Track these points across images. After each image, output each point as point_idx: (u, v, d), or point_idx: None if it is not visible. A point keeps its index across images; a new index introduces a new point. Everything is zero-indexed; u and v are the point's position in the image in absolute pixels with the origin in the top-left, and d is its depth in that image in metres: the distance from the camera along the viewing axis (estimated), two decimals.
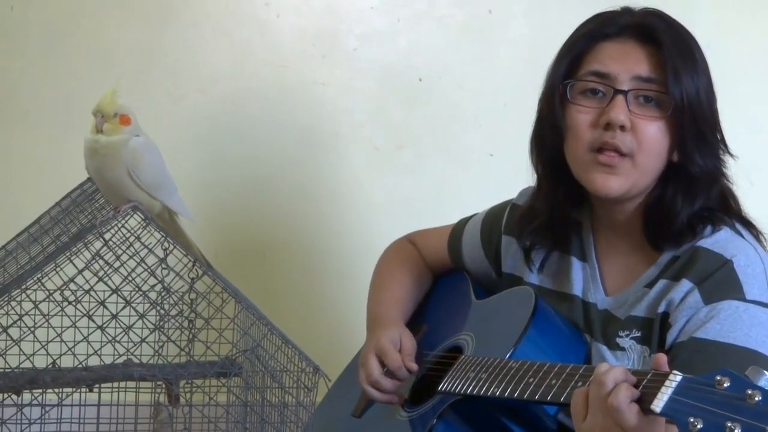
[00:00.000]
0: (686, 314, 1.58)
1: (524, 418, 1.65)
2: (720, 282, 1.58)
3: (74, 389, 2.16)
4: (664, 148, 1.65)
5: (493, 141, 2.86)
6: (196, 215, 2.27)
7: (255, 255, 2.86)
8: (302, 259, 2.87)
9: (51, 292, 2.03)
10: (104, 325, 2.06)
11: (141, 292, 2.10)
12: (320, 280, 2.88)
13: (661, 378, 1.28)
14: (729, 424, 1.16)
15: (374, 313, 2.02)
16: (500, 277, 1.94)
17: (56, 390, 2.12)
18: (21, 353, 2.06)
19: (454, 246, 2.04)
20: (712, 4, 2.84)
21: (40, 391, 2.09)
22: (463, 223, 2.06)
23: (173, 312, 2.16)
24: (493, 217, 2.00)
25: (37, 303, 2.03)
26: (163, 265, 2.09)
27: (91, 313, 2.04)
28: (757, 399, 1.17)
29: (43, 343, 2.03)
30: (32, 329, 2.04)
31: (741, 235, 1.65)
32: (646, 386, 1.30)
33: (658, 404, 1.26)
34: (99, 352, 2.06)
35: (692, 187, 1.66)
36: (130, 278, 2.07)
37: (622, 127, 1.62)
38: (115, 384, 2.16)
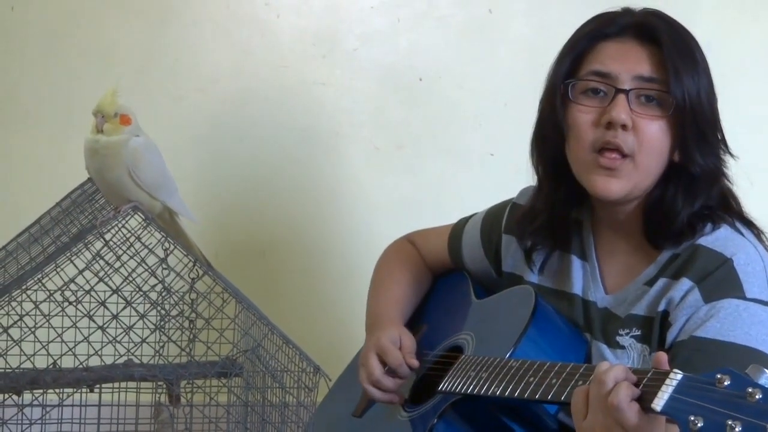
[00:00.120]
0: (686, 313, 1.58)
1: (525, 417, 1.65)
2: (720, 280, 1.58)
3: (75, 389, 2.16)
4: (666, 148, 1.65)
5: (494, 141, 2.86)
6: (196, 215, 2.27)
7: (255, 255, 2.86)
8: (303, 258, 2.87)
9: (51, 292, 2.03)
10: (105, 326, 2.05)
11: (141, 293, 2.10)
12: (321, 280, 2.88)
13: (661, 377, 1.28)
14: (730, 423, 1.16)
15: (374, 313, 2.02)
16: (500, 276, 1.95)
17: (57, 390, 2.12)
18: (22, 353, 2.06)
19: (454, 246, 2.04)
20: (713, 5, 2.84)
21: (41, 391, 2.09)
22: (463, 222, 2.06)
23: (174, 312, 2.15)
24: (493, 216, 2.00)
25: (37, 303, 2.03)
26: (164, 266, 2.09)
27: (91, 313, 2.04)
28: (757, 397, 1.17)
29: (44, 344, 2.03)
30: (33, 329, 2.04)
31: (741, 234, 1.65)
32: (646, 385, 1.30)
33: (659, 403, 1.26)
34: (100, 353, 2.05)
35: (693, 186, 1.66)
36: (130, 278, 2.07)
37: (624, 126, 1.62)
38: (116, 384, 2.16)
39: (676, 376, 1.27)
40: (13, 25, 2.79)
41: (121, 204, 2.11)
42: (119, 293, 2.05)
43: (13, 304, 2.03)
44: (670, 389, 1.26)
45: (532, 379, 1.52)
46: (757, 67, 2.88)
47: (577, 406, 1.38)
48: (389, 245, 2.16)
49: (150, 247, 2.08)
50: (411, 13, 2.85)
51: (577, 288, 1.77)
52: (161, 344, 2.11)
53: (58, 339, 2.04)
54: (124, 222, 2.10)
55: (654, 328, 1.63)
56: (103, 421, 2.16)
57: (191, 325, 2.17)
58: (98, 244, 2.06)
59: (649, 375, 1.31)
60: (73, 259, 2.04)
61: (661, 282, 1.64)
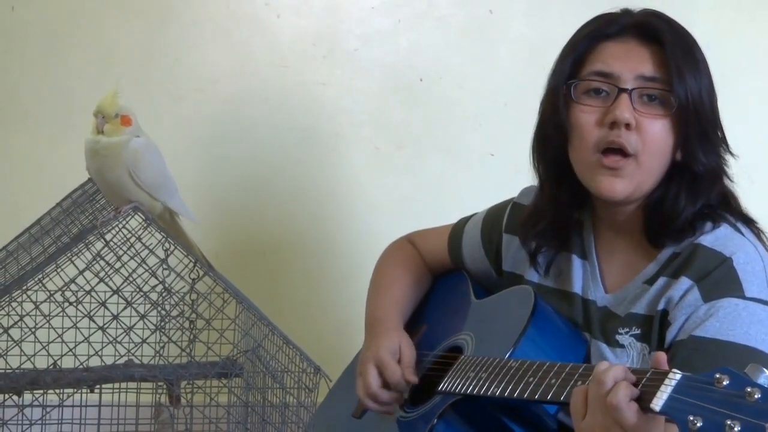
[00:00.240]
0: (685, 312, 1.58)
1: (524, 417, 1.65)
2: (719, 280, 1.58)
3: (75, 390, 2.16)
4: (669, 147, 1.65)
5: (494, 141, 2.86)
6: (197, 216, 2.27)
7: (256, 255, 2.86)
8: (303, 259, 2.87)
9: (52, 292, 2.04)
10: (105, 326, 2.06)
11: (142, 293, 2.10)
12: (321, 280, 2.88)
13: (660, 376, 1.28)
14: (729, 422, 1.16)
15: (373, 315, 2.02)
16: (500, 275, 1.94)
17: (57, 391, 2.13)
18: (22, 354, 2.07)
19: (454, 246, 2.04)
20: (712, 5, 2.84)
21: (41, 391, 2.10)
22: (463, 222, 2.06)
23: (174, 313, 2.16)
24: (493, 216, 2.00)
25: (38, 304, 2.04)
26: (164, 266, 2.10)
27: (92, 313, 2.04)
28: (756, 396, 1.16)
29: (44, 344, 2.04)
30: (33, 330, 2.05)
31: (741, 233, 1.65)
32: (645, 385, 1.30)
33: (658, 403, 1.26)
34: (100, 353, 2.06)
35: (695, 185, 1.66)
36: (131, 279, 2.07)
37: (628, 126, 1.62)
38: (116, 385, 2.16)
39: (675, 375, 1.27)
40: (13, 25, 2.79)
41: (122, 204, 2.11)
42: (120, 294, 2.05)
43: (14, 304, 2.03)
44: (669, 389, 1.25)
45: (531, 379, 1.51)
46: (755, 66, 2.89)
47: (576, 406, 1.38)
48: (389, 245, 2.16)
49: (150, 247, 2.09)
50: (411, 13, 2.85)
51: (577, 287, 1.77)
52: (161, 345, 2.11)
53: (59, 339, 2.05)
54: (124, 222, 2.10)
55: (653, 327, 1.63)
56: (104, 422, 2.16)
57: (192, 326, 2.17)
58: (99, 245, 2.06)
59: (648, 375, 1.31)
60: (73, 259, 2.04)
61: (660, 281, 1.64)
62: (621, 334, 1.67)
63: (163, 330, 2.13)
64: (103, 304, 2.06)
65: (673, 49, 1.65)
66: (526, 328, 1.68)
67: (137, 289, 2.10)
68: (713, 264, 1.60)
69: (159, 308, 2.12)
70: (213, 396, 2.11)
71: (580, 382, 1.43)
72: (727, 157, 1.70)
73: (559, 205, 1.78)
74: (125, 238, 2.09)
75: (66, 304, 2.04)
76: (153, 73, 2.81)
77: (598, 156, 1.65)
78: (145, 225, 2.10)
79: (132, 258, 2.08)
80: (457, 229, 2.06)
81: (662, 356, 1.35)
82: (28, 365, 2.09)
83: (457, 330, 1.90)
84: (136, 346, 2.08)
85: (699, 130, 1.64)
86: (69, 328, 2.09)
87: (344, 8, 2.84)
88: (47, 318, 2.04)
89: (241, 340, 2.18)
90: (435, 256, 2.09)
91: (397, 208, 2.84)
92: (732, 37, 2.84)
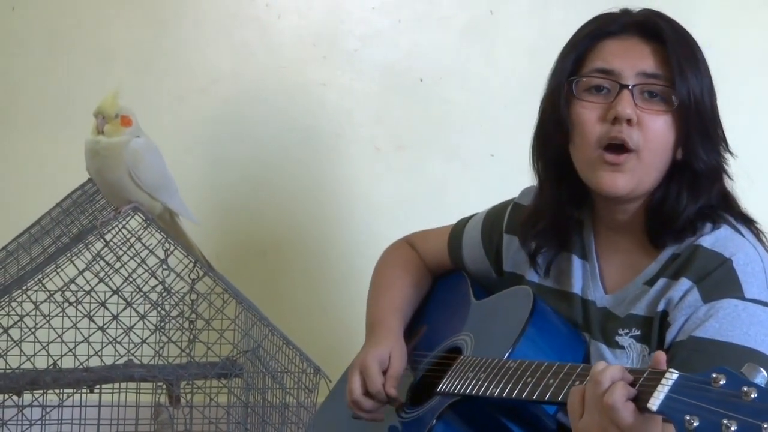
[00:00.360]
0: (685, 313, 1.58)
1: (523, 417, 1.65)
2: (719, 281, 1.58)
3: (75, 390, 2.16)
4: (670, 144, 1.65)
5: (494, 141, 2.86)
6: (197, 216, 2.26)
7: (256, 256, 2.86)
8: (303, 259, 2.87)
9: (52, 292, 2.03)
10: (105, 326, 2.05)
11: (142, 293, 2.10)
12: (321, 281, 2.88)
13: (657, 376, 1.28)
14: (725, 422, 1.16)
15: (373, 318, 2.02)
16: (501, 276, 1.95)
17: (57, 391, 2.12)
18: (22, 354, 2.06)
19: (454, 246, 2.04)
20: (712, 4, 2.84)
21: (41, 391, 2.09)
22: (463, 223, 2.06)
23: (174, 313, 2.15)
24: (494, 216, 2.00)
25: (37, 304, 2.03)
26: (164, 266, 2.09)
27: (91, 313, 2.04)
28: (753, 396, 1.17)
29: (44, 344, 2.03)
30: (33, 330, 2.04)
31: (741, 233, 1.65)
32: (642, 385, 1.30)
33: (655, 402, 1.26)
34: (100, 353, 2.05)
35: (696, 183, 1.66)
36: (130, 279, 2.07)
37: (629, 121, 1.63)
38: (116, 385, 2.16)
39: (672, 375, 1.27)
40: (13, 25, 2.79)
41: (122, 205, 2.11)
42: (119, 294, 2.05)
43: (13, 304, 2.03)
44: (666, 389, 1.26)
45: (529, 379, 1.52)
46: (756, 66, 2.88)
47: (573, 406, 1.38)
48: (388, 247, 2.16)
49: (150, 247, 2.08)
50: (412, 13, 2.84)
51: (576, 287, 1.77)
52: (161, 345, 2.11)
53: (58, 339, 2.04)
54: (124, 223, 2.10)
55: (653, 328, 1.63)
56: (103, 422, 2.16)
57: (191, 326, 2.17)
58: (99, 245, 2.06)
59: (645, 375, 1.31)
60: (73, 259, 2.04)
61: (660, 282, 1.65)
62: (621, 335, 1.67)
63: (162, 330, 2.12)
64: (103, 304, 2.05)
65: (675, 46, 1.65)
66: (525, 328, 1.68)
67: (137, 290, 2.09)
68: (713, 265, 1.60)
69: (159, 308, 2.11)
70: (213, 396, 2.11)
71: (577, 382, 1.43)
72: (727, 156, 1.71)
73: (559, 204, 1.78)
74: (125, 239, 2.08)
75: (66, 304, 2.04)
76: (153, 73, 2.81)
77: (600, 152, 1.66)
78: (145, 225, 2.10)
79: (132, 258, 2.08)
80: (457, 230, 2.06)
81: (662, 356, 1.35)
82: (27, 365, 2.08)
83: (456, 330, 1.90)
84: (135, 346, 2.07)
85: (700, 128, 1.65)
86: (69, 329, 2.09)
87: (345, 9, 2.84)
88: (47, 318, 2.03)
89: (241, 340, 2.17)
90: (435, 256, 2.09)
91: (397, 209, 2.84)
92: (733, 37, 2.84)
